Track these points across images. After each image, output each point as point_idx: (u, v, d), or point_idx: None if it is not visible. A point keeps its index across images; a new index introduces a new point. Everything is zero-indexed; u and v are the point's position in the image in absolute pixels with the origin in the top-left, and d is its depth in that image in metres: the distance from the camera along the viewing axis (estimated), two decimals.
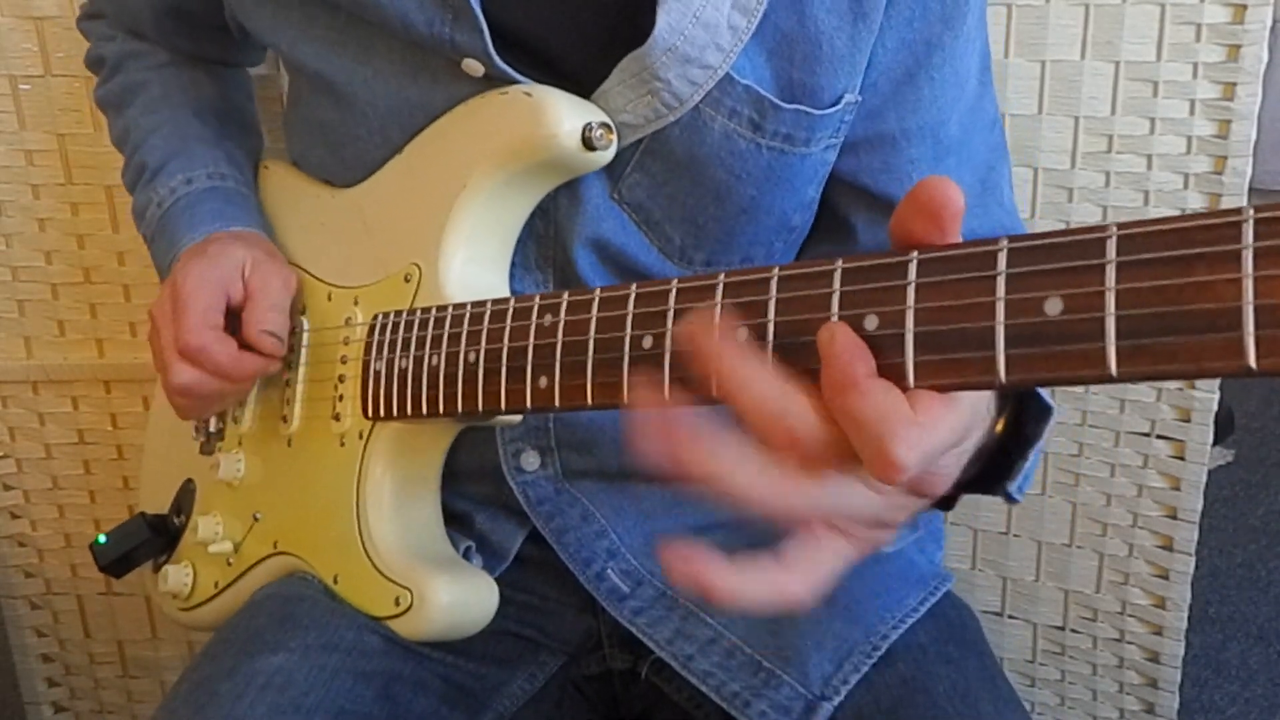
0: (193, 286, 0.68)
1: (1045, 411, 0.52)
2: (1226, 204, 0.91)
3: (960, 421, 0.40)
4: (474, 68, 0.62)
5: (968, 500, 1.10)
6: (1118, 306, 0.34)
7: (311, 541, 0.69)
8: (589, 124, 0.59)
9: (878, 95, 0.64)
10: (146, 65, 0.81)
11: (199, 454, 0.81)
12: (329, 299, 0.72)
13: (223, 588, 0.75)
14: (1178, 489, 0.97)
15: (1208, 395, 0.94)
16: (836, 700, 0.60)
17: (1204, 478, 0.97)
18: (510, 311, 0.55)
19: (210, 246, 0.71)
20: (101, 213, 1.04)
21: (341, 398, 0.68)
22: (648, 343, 0.47)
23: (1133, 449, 0.98)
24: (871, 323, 0.40)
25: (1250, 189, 0.91)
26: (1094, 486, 1.00)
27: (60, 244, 1.05)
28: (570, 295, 0.52)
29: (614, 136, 0.60)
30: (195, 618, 0.78)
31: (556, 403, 0.51)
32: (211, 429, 0.80)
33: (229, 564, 0.74)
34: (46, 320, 1.07)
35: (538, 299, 0.54)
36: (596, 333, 0.49)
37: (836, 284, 0.41)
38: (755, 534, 0.69)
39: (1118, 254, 0.34)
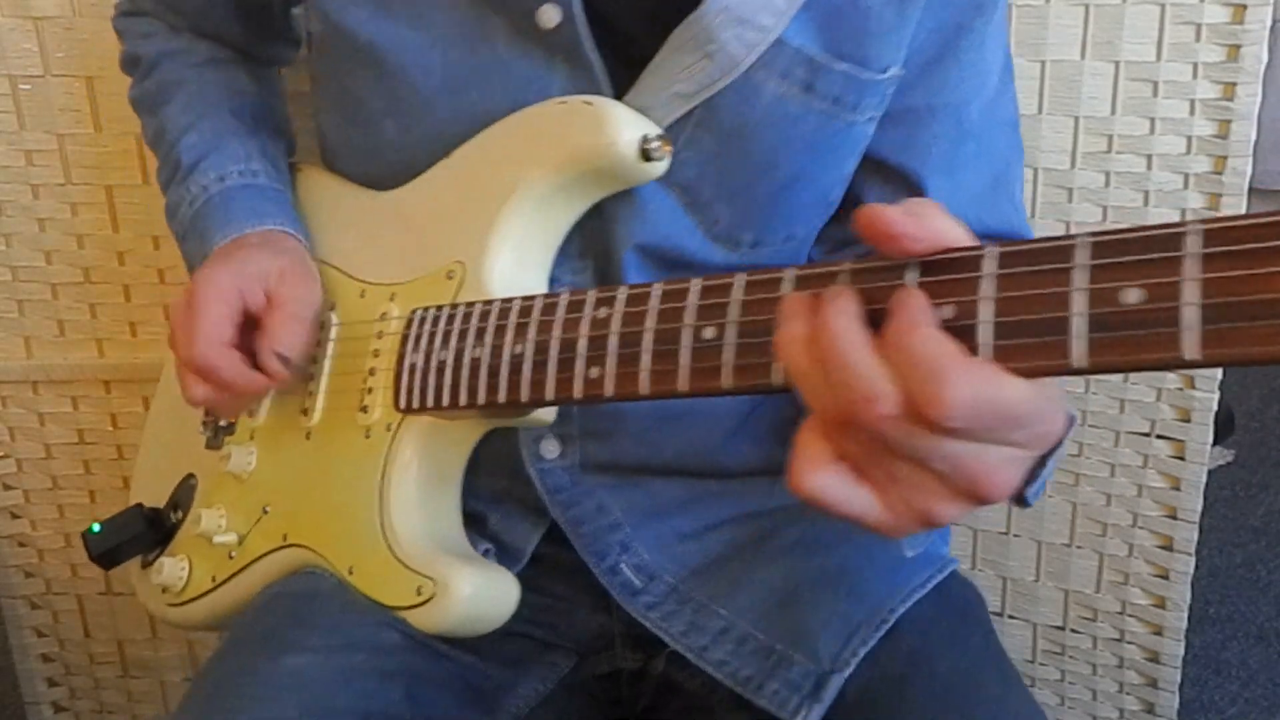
0: (207, 295, 0.67)
1: (1068, 421, 0.52)
2: (1227, 204, 0.91)
3: (1027, 404, 0.41)
4: (549, 16, 0.61)
5: None
6: (1200, 296, 0.36)
7: (326, 533, 0.69)
8: (646, 135, 0.61)
9: (909, 72, 0.66)
10: (184, 64, 0.81)
11: (204, 448, 0.81)
12: (361, 295, 0.72)
13: (220, 581, 0.74)
14: (1178, 489, 0.97)
15: (1208, 395, 0.94)
16: (846, 672, 0.61)
17: (1204, 478, 0.97)
18: (562, 304, 0.57)
19: (238, 252, 0.70)
20: (101, 213, 1.04)
21: (370, 390, 0.68)
22: (709, 334, 0.49)
23: (1133, 449, 0.98)
24: (948, 313, 0.41)
25: (1250, 189, 0.91)
26: (1094, 486, 1.00)
27: (60, 244, 1.05)
28: (629, 289, 0.54)
29: (669, 148, 0.62)
30: (186, 613, 0.78)
31: (609, 391, 0.53)
32: (221, 423, 0.80)
33: (230, 557, 0.74)
34: (46, 320, 1.08)
35: (592, 293, 0.55)
36: (656, 324, 0.51)
37: (910, 277, 0.43)
38: (763, 529, 0.70)
39: (1202, 246, 0.36)
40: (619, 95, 0.64)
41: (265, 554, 0.72)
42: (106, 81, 0.99)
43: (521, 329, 0.58)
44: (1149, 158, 0.92)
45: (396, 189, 0.72)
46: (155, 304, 1.07)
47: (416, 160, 0.70)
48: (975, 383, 0.39)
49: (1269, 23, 0.86)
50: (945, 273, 0.42)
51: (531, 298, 0.59)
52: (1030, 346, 0.40)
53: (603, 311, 0.54)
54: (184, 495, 0.81)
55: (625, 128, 0.61)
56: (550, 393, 0.56)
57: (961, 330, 0.41)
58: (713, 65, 0.61)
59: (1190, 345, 0.36)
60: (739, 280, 0.49)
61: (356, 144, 0.74)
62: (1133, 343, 0.37)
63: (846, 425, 0.42)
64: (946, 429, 0.40)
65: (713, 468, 0.72)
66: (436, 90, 0.66)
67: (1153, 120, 0.91)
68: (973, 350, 0.41)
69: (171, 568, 0.76)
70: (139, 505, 0.81)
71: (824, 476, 0.43)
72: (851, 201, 0.71)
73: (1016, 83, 0.91)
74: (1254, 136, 0.89)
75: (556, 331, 0.56)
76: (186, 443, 0.82)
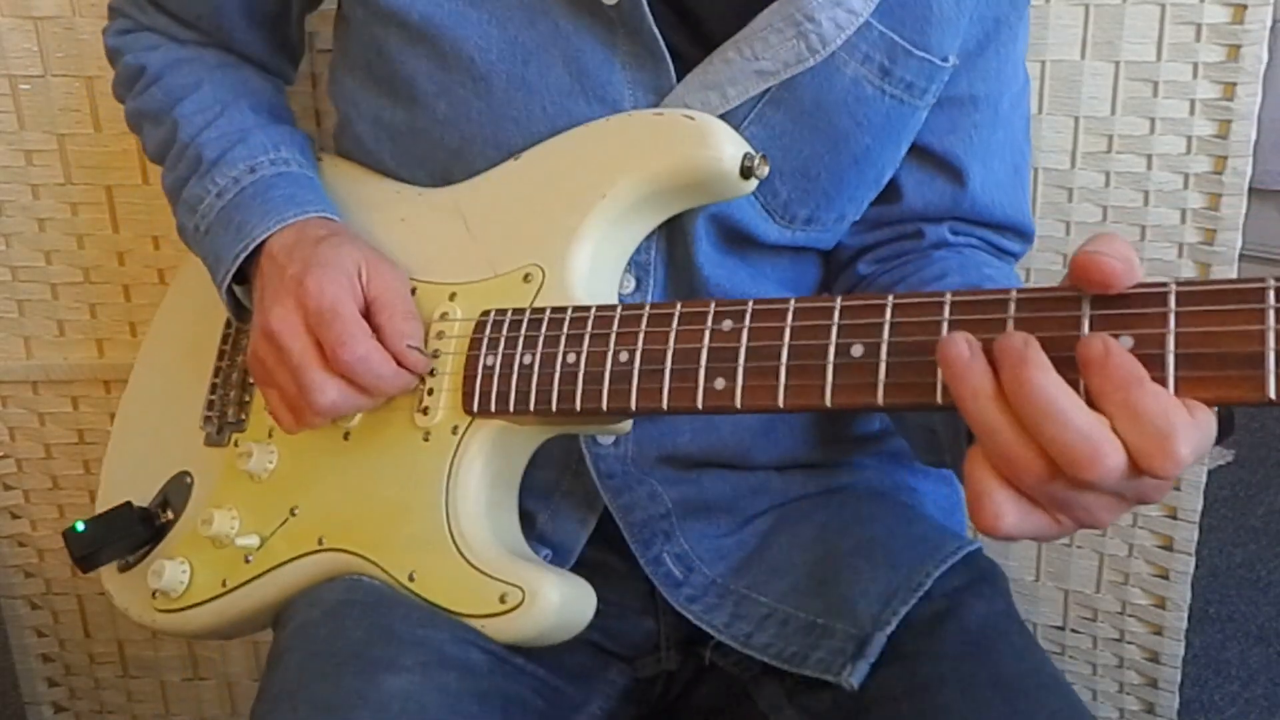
0: (333, 294, 0.63)
1: None
2: (1227, 204, 0.91)
3: (1215, 429, 0.43)
4: None
5: None
6: None
7: (377, 537, 0.66)
8: (749, 153, 0.62)
9: (958, 60, 0.68)
10: (196, 68, 0.79)
11: (203, 445, 0.78)
12: (413, 293, 0.69)
13: (234, 586, 0.71)
14: (1178, 489, 0.97)
15: None
16: (888, 630, 0.61)
17: (1204, 478, 0.97)
18: (676, 315, 0.57)
19: (319, 253, 0.66)
20: (101, 213, 1.04)
21: (431, 391, 0.66)
22: (858, 351, 0.50)
23: None
24: (1127, 343, 0.44)
25: (1250, 189, 0.91)
26: None
27: (60, 244, 1.05)
28: (755, 304, 0.55)
29: (768, 167, 0.63)
30: (183, 619, 0.74)
31: (737, 403, 0.53)
32: (230, 417, 0.77)
33: (247, 561, 0.71)
34: (46, 320, 1.07)
35: (713, 305, 0.56)
36: (791, 340, 0.52)
37: (1085, 309, 0.45)
38: (794, 515, 0.71)
39: None
40: (682, 71, 0.64)
41: (294, 558, 0.69)
42: (106, 81, 0.98)
43: (627, 337, 0.58)
44: (1149, 158, 0.92)
45: (451, 186, 0.71)
46: (155, 304, 1.05)
47: (469, 140, 0.69)
48: (1196, 434, 0.42)
49: (1269, 23, 0.86)
50: (1122, 307, 0.44)
51: (638, 306, 0.59)
52: (1221, 379, 0.42)
53: (727, 324, 0.55)
54: (176, 494, 0.78)
55: (728, 144, 0.62)
56: (666, 402, 0.56)
57: (1144, 360, 0.43)
58: (804, 45, 0.62)
59: None
60: (890, 302, 0.50)
61: (401, 127, 0.72)
62: None
63: (1028, 465, 0.43)
64: (1166, 477, 0.42)
65: (753, 459, 0.73)
66: (494, 65, 0.66)
67: (1153, 120, 0.91)
68: (1158, 381, 0.42)
69: (173, 571, 0.73)
70: (129, 503, 0.78)
71: (1012, 519, 0.45)
72: (890, 185, 0.73)
73: None
74: (1254, 136, 0.89)
75: (671, 342, 0.56)
76: (176, 439, 0.80)
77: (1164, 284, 0.44)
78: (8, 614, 1.17)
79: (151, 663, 1.19)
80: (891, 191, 0.73)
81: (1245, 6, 0.86)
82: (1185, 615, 1.00)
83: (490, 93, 0.66)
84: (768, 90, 0.64)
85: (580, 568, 0.68)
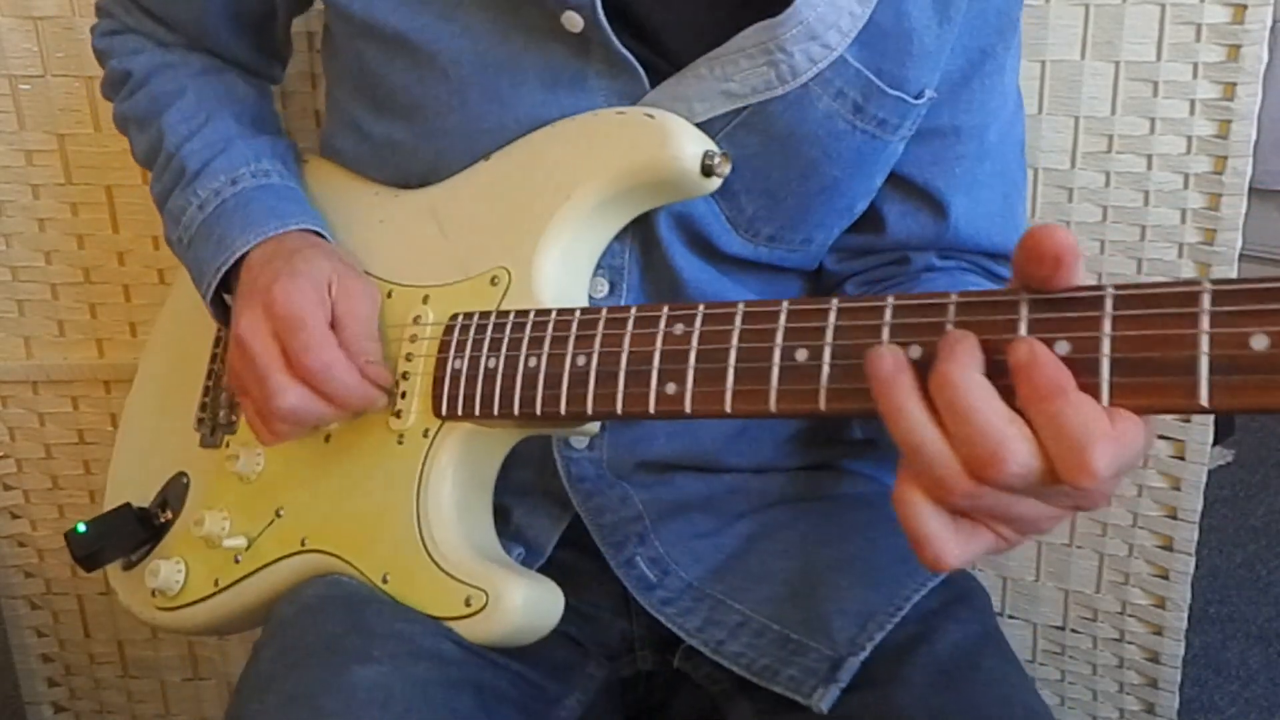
0: (300, 302, 0.64)
1: None
2: (1227, 204, 0.91)
3: (1145, 442, 0.43)
4: (573, 21, 0.62)
5: None
6: None
7: (354, 540, 0.67)
8: (709, 151, 0.62)
9: (939, 93, 0.68)
10: (181, 74, 0.79)
11: (199, 446, 0.79)
12: (389, 296, 0.70)
13: (225, 586, 0.73)
14: (1178, 489, 0.97)
15: None
16: (862, 656, 0.61)
17: (1204, 478, 0.97)
18: (631, 319, 0.56)
19: (293, 263, 0.66)
20: (101, 213, 1.03)
21: (404, 395, 0.66)
22: (802, 355, 0.49)
23: None
24: (1063, 348, 0.43)
25: (1250, 189, 0.91)
26: None
27: (60, 244, 1.05)
28: (706, 308, 0.54)
29: (730, 164, 0.63)
30: (180, 618, 0.75)
31: (687, 408, 0.53)
32: (221, 419, 0.78)
33: (237, 561, 0.72)
34: (46, 320, 1.07)
35: (666, 308, 0.55)
36: (739, 343, 0.52)
37: (1023, 313, 0.44)
38: (776, 523, 0.71)
39: None
40: (654, 85, 0.64)
41: (279, 559, 0.70)
42: None
43: (584, 340, 0.58)
44: (1149, 158, 0.92)
45: (427, 187, 0.71)
46: (155, 304, 1.06)
47: (445, 151, 0.69)
48: (1115, 447, 0.41)
49: (1269, 23, 0.86)
50: (1059, 310, 0.43)
51: (594, 309, 0.58)
52: (1155, 385, 0.41)
53: (679, 328, 0.54)
54: (174, 494, 0.79)
55: (689, 143, 0.62)
56: (620, 407, 0.56)
57: (1080, 365, 0.42)
58: (774, 74, 0.62)
59: None
60: (834, 305, 0.50)
61: (381, 137, 0.72)
62: (1264, 387, 0.39)
63: (955, 481, 0.43)
64: (1080, 488, 0.41)
65: (730, 462, 0.73)
66: (467, 78, 0.66)
67: (1153, 120, 0.91)
68: (1092, 387, 0.42)
69: (169, 571, 0.74)
70: (128, 505, 0.79)
71: (955, 551, 0.44)
72: (870, 215, 0.73)
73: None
74: (1254, 136, 0.89)
75: (626, 345, 0.56)
76: (175, 440, 0.80)
77: (1101, 288, 0.43)
78: (8, 614, 1.17)
79: (151, 663, 1.19)
80: (875, 222, 0.73)
81: (1245, 6, 0.86)
82: (1185, 615, 1.00)
83: (465, 105, 0.67)
84: (741, 112, 0.64)
85: (554, 568, 0.68)
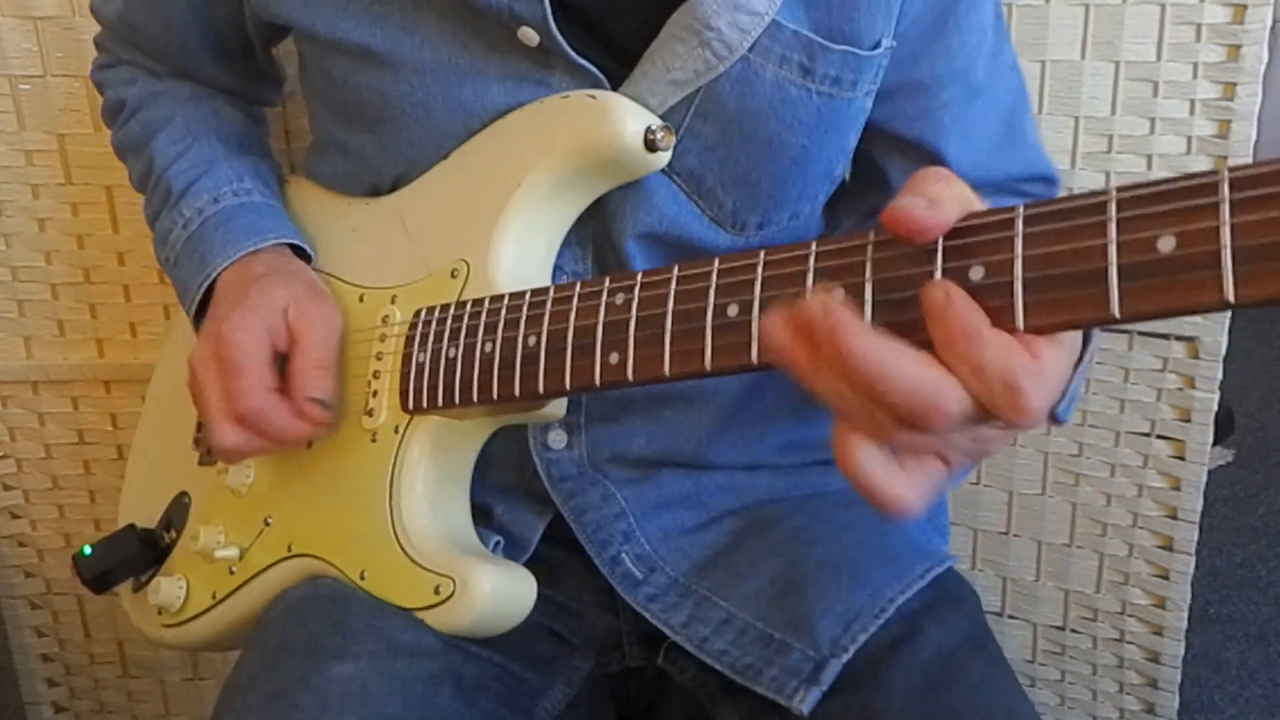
0: (242, 342, 0.65)
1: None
2: None
3: (1068, 361, 0.43)
4: (529, 36, 0.62)
5: (967, 500, 1.11)
6: (1233, 238, 0.37)
7: (334, 540, 0.68)
8: (650, 126, 0.62)
9: (909, 44, 0.66)
10: (170, 100, 0.81)
11: (197, 465, 0.80)
12: (360, 300, 0.71)
13: (222, 597, 0.73)
14: (1178, 489, 0.97)
15: (1208, 395, 0.94)
16: (845, 658, 0.61)
17: (1204, 478, 0.97)
18: (576, 294, 0.57)
19: (250, 289, 0.68)
20: (101, 213, 1.04)
21: (375, 394, 0.67)
22: (733, 311, 0.49)
23: (1133, 449, 0.98)
24: (977, 273, 0.42)
25: None
26: (1094, 486, 1.00)
27: (60, 244, 1.05)
28: (644, 275, 0.54)
29: (673, 138, 0.63)
30: (185, 633, 0.76)
31: (629, 376, 0.53)
32: None
33: (231, 572, 0.73)
34: (46, 320, 1.07)
35: (608, 280, 0.55)
36: (675, 305, 0.51)
37: (939, 243, 0.43)
38: (765, 520, 0.71)
39: (1231, 192, 0.37)
40: (615, 87, 0.64)
41: (269, 566, 0.71)
42: None
43: (534, 320, 0.58)
44: (1149, 158, 0.92)
45: (391, 194, 0.72)
46: (155, 304, 1.07)
47: (413, 165, 0.70)
48: (1042, 379, 0.41)
49: (1269, 23, 0.86)
50: (972, 236, 0.43)
51: (543, 289, 0.59)
52: (1067, 300, 0.40)
53: (620, 298, 0.54)
54: (177, 514, 0.79)
55: (629, 119, 0.62)
56: (569, 382, 0.56)
57: (994, 289, 0.42)
58: (709, 52, 0.61)
59: (1230, 286, 0.37)
60: (761, 257, 0.49)
61: (353, 151, 0.73)
62: (1170, 288, 0.38)
63: (890, 431, 0.43)
64: (1022, 427, 0.41)
65: (716, 459, 0.72)
66: (430, 89, 0.66)
67: (1153, 120, 0.91)
68: (1007, 308, 0.41)
69: (170, 587, 0.75)
70: (131, 526, 0.80)
71: (914, 494, 0.44)
72: (877, 176, 0.73)
73: None
74: (1254, 136, 0.89)
75: (572, 320, 0.56)
76: (177, 461, 0.82)
77: (1012, 209, 0.42)
78: (8, 614, 1.17)
79: (151, 663, 1.19)
80: (881, 183, 0.73)
81: (1245, 6, 0.86)
82: (1185, 615, 1.00)
83: (429, 115, 0.67)
84: (693, 102, 0.63)
85: (540, 563, 0.69)
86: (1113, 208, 0.40)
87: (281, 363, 0.68)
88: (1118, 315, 0.39)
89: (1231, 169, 0.37)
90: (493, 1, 0.62)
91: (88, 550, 0.78)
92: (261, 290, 0.68)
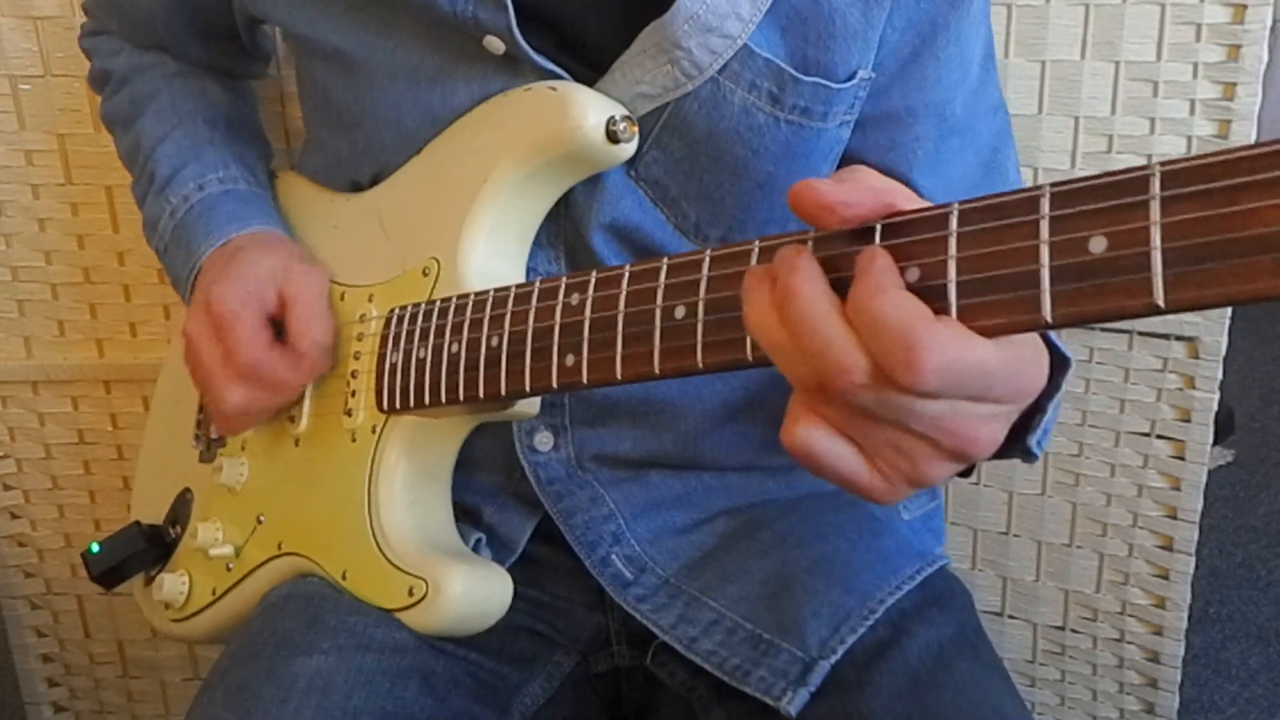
0: (233, 306, 0.67)
1: (1064, 363, 0.52)
2: None
3: (999, 360, 0.40)
4: (495, 45, 0.62)
5: (968, 500, 1.11)
6: (1164, 239, 0.35)
7: (318, 539, 0.68)
8: (612, 117, 0.61)
9: (885, 74, 0.65)
10: (156, 76, 0.81)
11: (198, 462, 0.80)
12: (342, 299, 0.72)
13: (220, 594, 0.74)
14: (1178, 489, 0.97)
15: (1208, 395, 0.94)
16: (833, 659, 0.61)
17: (1204, 478, 0.97)
18: (535, 293, 0.56)
19: (234, 261, 0.70)
20: (101, 213, 1.03)
21: (354, 393, 0.68)
22: (680, 313, 0.49)
23: (1133, 449, 0.98)
24: (913, 275, 0.41)
25: None
26: (1094, 486, 1.00)
27: (60, 244, 1.05)
28: (598, 273, 0.53)
29: (636, 129, 0.62)
30: (189, 628, 0.77)
31: (584, 379, 0.53)
32: (213, 435, 0.79)
33: (228, 569, 0.73)
34: (46, 320, 1.07)
35: (564, 279, 0.55)
36: (626, 307, 0.51)
37: (876, 239, 0.43)
38: (755, 522, 0.70)
39: (1162, 189, 0.36)
40: None
41: (261, 564, 0.71)
42: None
43: (496, 320, 0.58)
44: (1149, 158, 0.92)
45: (370, 190, 0.73)
46: (155, 304, 1.07)
47: (391, 165, 0.71)
48: (945, 345, 0.39)
49: (1269, 23, 0.86)
50: (908, 234, 0.42)
51: (505, 289, 0.59)
52: (999, 303, 0.39)
53: (575, 298, 0.54)
54: (181, 510, 0.80)
55: (591, 110, 0.61)
56: (528, 384, 0.56)
57: (929, 291, 0.41)
58: (678, 70, 0.61)
59: (1160, 290, 0.35)
60: (706, 257, 0.49)
61: (332, 153, 0.74)
62: (1102, 292, 0.37)
63: (823, 393, 0.42)
64: (920, 393, 0.40)
65: (706, 460, 0.72)
66: (401, 94, 0.67)
67: (1153, 120, 0.91)
68: (941, 311, 0.40)
69: (173, 583, 0.76)
70: (137, 522, 0.81)
71: (811, 431, 0.43)
72: None
73: (1016, 82, 0.92)
74: (1254, 136, 0.89)
75: (531, 321, 0.56)
76: (181, 458, 0.82)
77: (948, 206, 0.41)
78: (8, 614, 1.17)
79: (151, 663, 1.19)
80: None
81: (1245, 6, 0.86)
82: (1185, 615, 1.00)
83: (400, 121, 0.67)
84: (662, 114, 0.63)
85: (530, 564, 0.69)
86: (1045, 204, 0.38)
87: (275, 331, 0.68)
88: (1050, 320, 0.38)
89: (1163, 162, 0.36)
90: (458, 10, 0.61)
91: (95, 548, 0.79)
92: (248, 259, 0.69)
